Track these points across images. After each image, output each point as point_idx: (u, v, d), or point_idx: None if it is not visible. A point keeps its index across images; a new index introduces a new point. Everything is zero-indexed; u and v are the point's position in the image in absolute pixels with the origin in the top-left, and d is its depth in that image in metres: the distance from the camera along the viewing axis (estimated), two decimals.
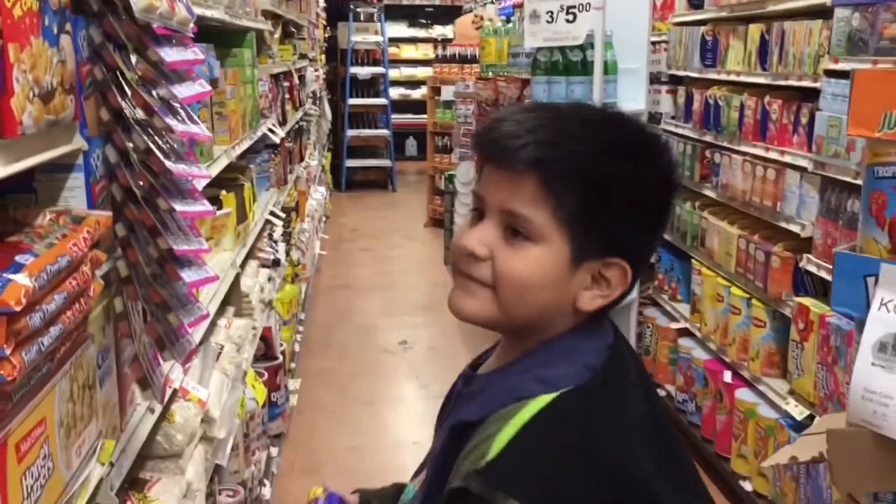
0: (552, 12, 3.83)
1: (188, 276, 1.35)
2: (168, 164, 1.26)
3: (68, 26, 1.15)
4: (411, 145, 12.11)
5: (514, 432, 0.94)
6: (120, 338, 1.38)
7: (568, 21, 3.80)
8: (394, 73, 11.96)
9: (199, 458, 1.97)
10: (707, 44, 3.61)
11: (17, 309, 0.92)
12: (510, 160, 0.99)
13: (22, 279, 0.95)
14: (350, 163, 10.77)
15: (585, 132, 1.00)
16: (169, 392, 1.65)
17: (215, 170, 2.37)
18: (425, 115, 9.42)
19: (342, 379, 4.66)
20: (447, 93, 8.10)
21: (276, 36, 4.52)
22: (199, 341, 2.10)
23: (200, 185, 1.49)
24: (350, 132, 10.72)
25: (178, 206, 1.30)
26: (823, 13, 2.72)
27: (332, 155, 10.69)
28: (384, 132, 10.92)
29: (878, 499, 1.45)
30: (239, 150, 2.91)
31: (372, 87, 11.06)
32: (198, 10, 2.22)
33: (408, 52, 13.03)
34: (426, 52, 12.30)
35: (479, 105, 5.42)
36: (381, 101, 10.93)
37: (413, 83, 12.26)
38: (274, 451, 3.53)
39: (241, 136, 2.95)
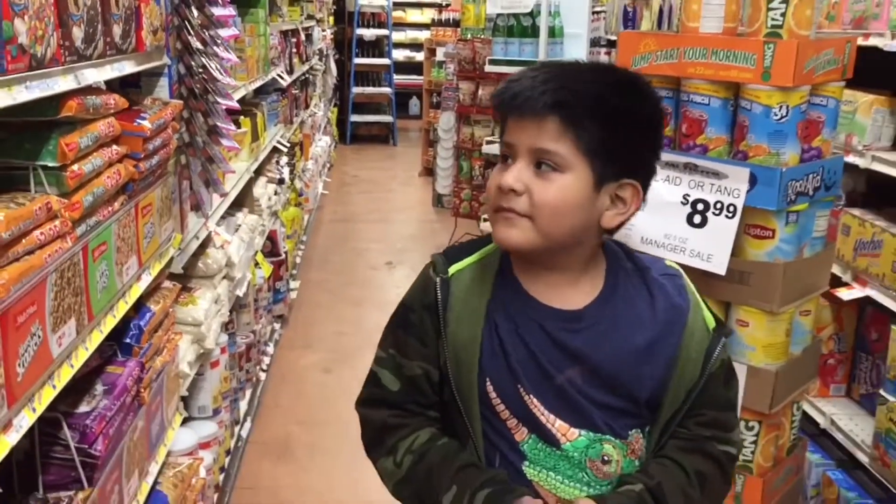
0: None
1: (225, 143, 2.30)
2: (215, 74, 2.20)
3: None
4: (414, 104, 12.96)
5: (702, 301, 1.31)
6: (182, 180, 2.33)
7: None
8: (399, 36, 12.80)
9: (225, 286, 2.93)
10: (628, 14, 4.50)
11: (147, 135, 1.86)
12: (533, 108, 1.16)
13: (146, 123, 1.89)
14: (355, 118, 11.68)
15: (590, 77, 1.20)
16: (208, 227, 2.61)
17: (236, 96, 3.30)
18: None
19: (335, 286, 5.63)
20: (441, 54, 8.97)
21: None
22: (221, 215, 3.06)
23: (232, 91, 2.42)
24: (355, 89, 11.61)
25: (220, 100, 2.24)
26: None
27: (339, 110, 11.59)
28: (387, 90, 11.80)
29: None
30: (254, 87, 3.85)
31: (377, 47, 11.92)
32: None
33: (413, 15, 13.82)
34: (431, 16, 13.13)
35: (459, 63, 6.32)
36: (385, 61, 11.80)
37: (417, 46, 13.04)
38: (277, 326, 4.52)
39: (255, 76, 3.88)
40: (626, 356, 1.24)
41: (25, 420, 1.30)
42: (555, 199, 1.17)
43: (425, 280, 1.31)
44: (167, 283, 2.27)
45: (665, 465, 1.27)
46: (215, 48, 2.21)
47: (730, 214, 2.11)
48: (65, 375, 1.47)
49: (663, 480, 1.25)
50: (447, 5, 10.84)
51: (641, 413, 1.28)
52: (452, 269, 1.30)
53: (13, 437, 1.25)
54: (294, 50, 5.73)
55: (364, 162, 10.58)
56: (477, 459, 1.27)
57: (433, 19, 10.34)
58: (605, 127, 1.16)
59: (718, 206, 2.13)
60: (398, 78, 12.13)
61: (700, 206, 2.17)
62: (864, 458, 2.40)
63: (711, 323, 1.30)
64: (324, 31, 8.82)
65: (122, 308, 1.80)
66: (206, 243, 2.83)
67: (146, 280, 1.98)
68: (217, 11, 2.22)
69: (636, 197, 1.22)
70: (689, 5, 2.24)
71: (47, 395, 1.39)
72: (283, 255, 4.57)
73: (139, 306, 2.05)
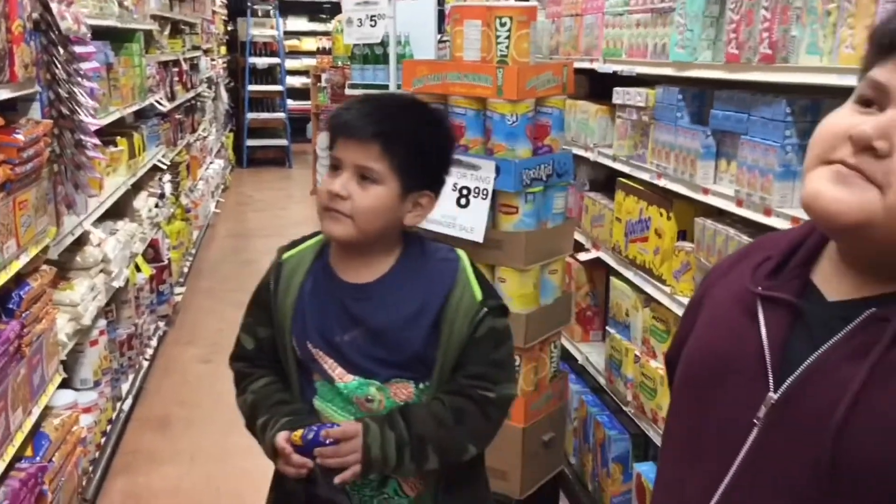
0: (361, 19, 5.39)
1: (91, 153, 2.86)
2: (80, 98, 2.77)
3: (34, 37, 2.65)
4: (310, 128, 13.55)
5: (475, 280, 1.58)
6: (56, 185, 2.88)
7: (371, 25, 5.37)
8: (294, 63, 13.37)
9: (102, 278, 3.47)
10: None
11: (20, 145, 2.41)
12: (359, 135, 1.49)
13: (20, 136, 2.44)
14: (250, 142, 12.18)
15: (404, 113, 1.57)
16: (83, 226, 3.15)
17: (109, 119, 3.84)
18: None
19: (221, 292, 6.15)
20: (324, 80, 9.60)
21: (166, 33, 5.96)
22: (99, 219, 3.59)
23: (103, 114, 2.98)
24: (250, 115, 12.12)
25: (85, 119, 2.81)
26: None
27: (235, 135, 12.08)
28: (281, 115, 12.36)
29: None
30: (128, 111, 4.39)
31: (270, 75, 12.47)
32: (98, 22, 3.71)
33: (308, 44, 14.44)
34: (325, 44, 13.76)
35: (332, 87, 6.95)
36: (278, 87, 12.36)
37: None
38: (162, 325, 5.03)
39: (130, 102, 4.42)
40: (395, 321, 1.55)
41: None
42: (371, 204, 1.50)
43: (271, 265, 1.71)
44: (45, 267, 2.80)
45: (425, 401, 1.58)
46: (79, 78, 2.77)
47: (484, 197, 2.78)
48: None
49: (414, 407, 1.57)
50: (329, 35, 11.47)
51: (412, 367, 1.57)
52: (285, 256, 1.67)
53: None
54: (176, 78, 6.26)
55: (260, 184, 11.09)
56: (292, 399, 1.63)
57: (318, 48, 10.99)
58: (412, 152, 1.53)
59: (476, 190, 2.80)
60: (295, 104, 12.69)
61: (464, 191, 2.84)
62: (602, 381, 3.10)
63: (479, 297, 1.56)
64: (213, 60, 9.34)
65: (3, 277, 2.35)
66: (83, 241, 3.37)
67: (24, 259, 2.53)
68: (79, 49, 2.79)
69: (431, 203, 1.59)
70: (455, 39, 2.93)
71: None
72: (166, 262, 5.09)
73: (20, 281, 2.59)
